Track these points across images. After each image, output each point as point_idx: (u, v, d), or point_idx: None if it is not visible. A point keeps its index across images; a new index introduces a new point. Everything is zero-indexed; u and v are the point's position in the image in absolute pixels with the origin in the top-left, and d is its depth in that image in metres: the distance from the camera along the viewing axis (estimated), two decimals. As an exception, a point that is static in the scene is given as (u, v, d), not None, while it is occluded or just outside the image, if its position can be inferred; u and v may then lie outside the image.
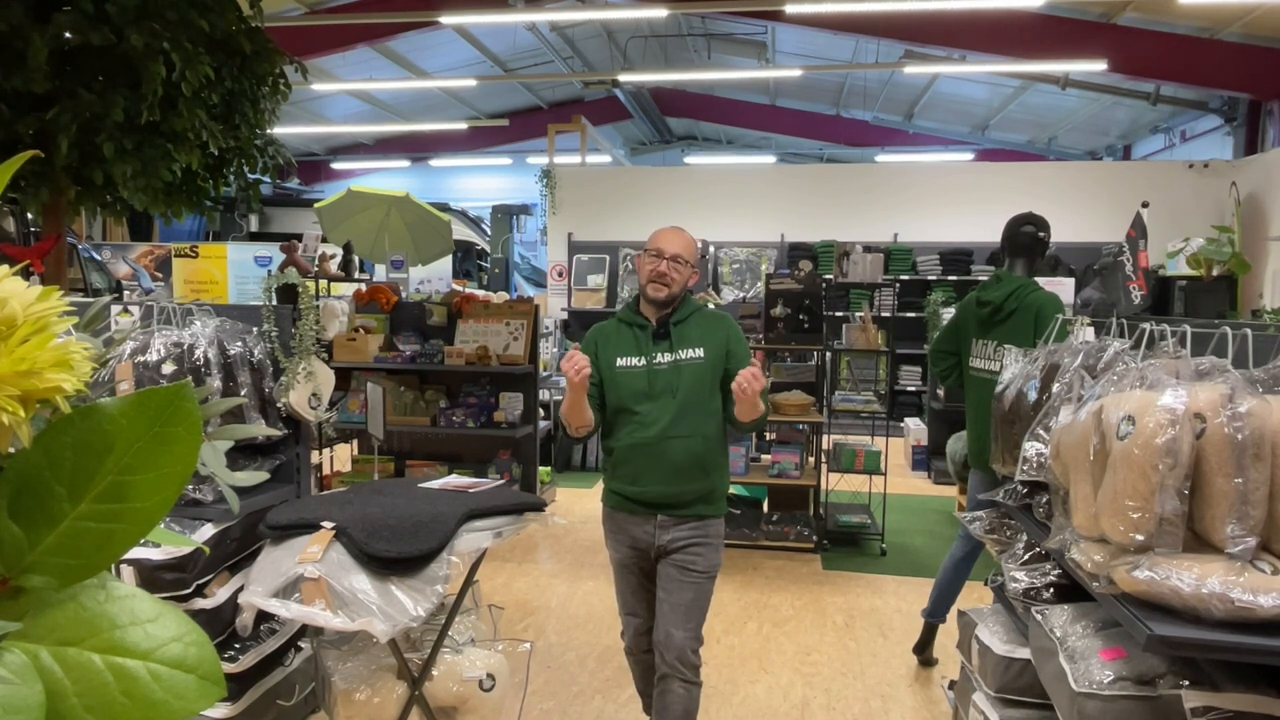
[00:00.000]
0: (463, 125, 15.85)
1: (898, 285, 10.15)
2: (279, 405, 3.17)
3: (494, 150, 18.10)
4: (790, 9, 9.30)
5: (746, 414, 2.67)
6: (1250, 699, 1.66)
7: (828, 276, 6.64)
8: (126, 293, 11.48)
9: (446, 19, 9.25)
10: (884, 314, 9.93)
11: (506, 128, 16.27)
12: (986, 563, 3.22)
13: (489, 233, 14.63)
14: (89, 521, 0.59)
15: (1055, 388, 2.30)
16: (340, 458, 6.93)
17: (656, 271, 2.74)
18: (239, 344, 3.06)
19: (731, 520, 5.48)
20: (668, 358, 2.75)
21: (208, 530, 2.83)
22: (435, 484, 2.88)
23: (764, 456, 5.95)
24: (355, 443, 6.60)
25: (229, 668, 2.82)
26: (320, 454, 5.95)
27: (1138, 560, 1.68)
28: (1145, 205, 8.99)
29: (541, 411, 6.77)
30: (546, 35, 12.89)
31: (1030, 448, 2.28)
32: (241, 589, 2.47)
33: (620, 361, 2.77)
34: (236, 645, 2.89)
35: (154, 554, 2.68)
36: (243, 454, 3.19)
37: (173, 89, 4.21)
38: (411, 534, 2.41)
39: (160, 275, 12.95)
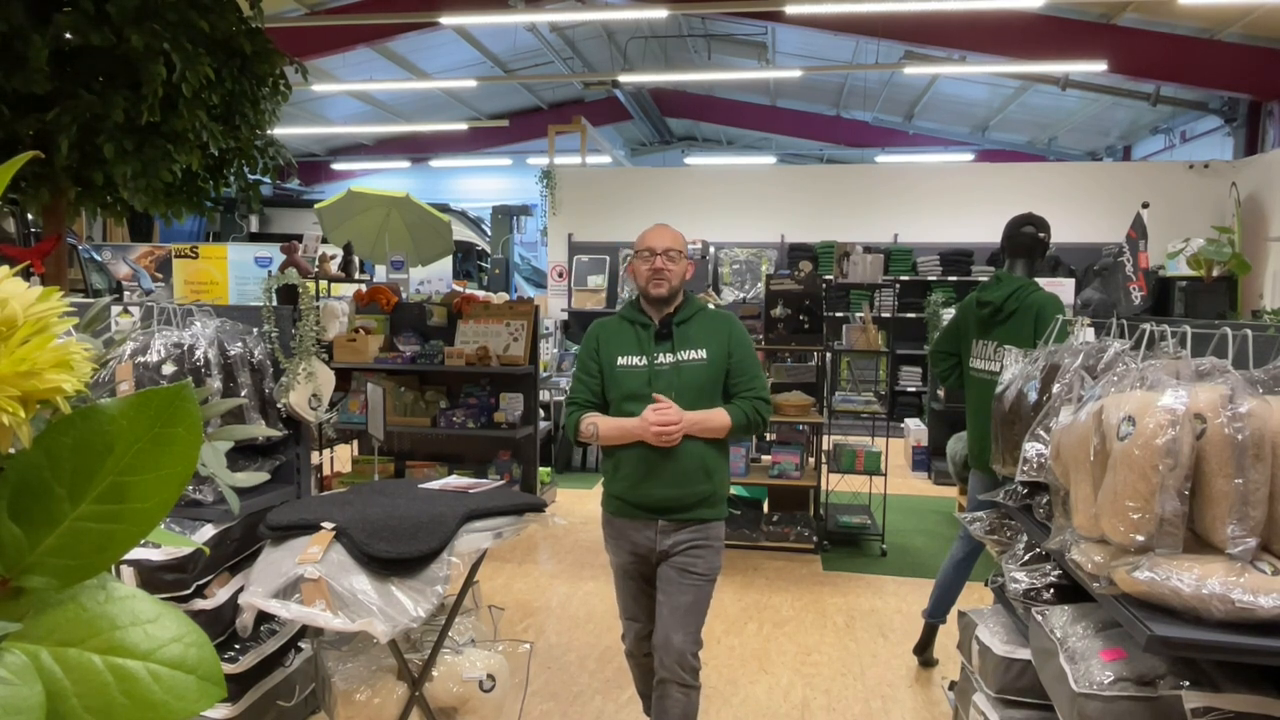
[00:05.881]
0: (463, 126, 15.86)
1: (898, 286, 10.15)
2: (279, 406, 3.16)
3: (494, 151, 18.10)
4: (790, 9, 9.30)
5: (709, 436, 2.72)
6: (1250, 699, 1.65)
7: (828, 277, 6.62)
8: (127, 293, 11.47)
9: (446, 19, 9.25)
10: (884, 314, 9.92)
11: (507, 128, 16.27)
12: (987, 563, 3.22)
13: (489, 233, 14.63)
14: (89, 522, 0.59)
15: (1055, 388, 2.30)
16: (340, 458, 6.93)
17: (653, 269, 2.74)
18: (239, 345, 3.05)
19: (732, 521, 5.47)
20: (669, 358, 2.74)
21: (208, 531, 2.83)
22: (435, 485, 2.88)
23: (764, 457, 5.94)
24: (355, 443, 6.60)
25: (229, 668, 2.82)
26: (320, 455, 5.95)
27: (1138, 561, 1.68)
28: (1145, 206, 8.99)
29: (542, 412, 6.77)
30: (546, 36, 12.89)
31: (1030, 448, 2.28)
32: (241, 589, 2.47)
33: (621, 360, 2.76)
34: (236, 646, 2.89)
35: (154, 554, 2.68)
36: (243, 454, 3.19)
37: (173, 90, 4.21)
38: (411, 535, 2.41)
39: (160, 276, 12.94)
